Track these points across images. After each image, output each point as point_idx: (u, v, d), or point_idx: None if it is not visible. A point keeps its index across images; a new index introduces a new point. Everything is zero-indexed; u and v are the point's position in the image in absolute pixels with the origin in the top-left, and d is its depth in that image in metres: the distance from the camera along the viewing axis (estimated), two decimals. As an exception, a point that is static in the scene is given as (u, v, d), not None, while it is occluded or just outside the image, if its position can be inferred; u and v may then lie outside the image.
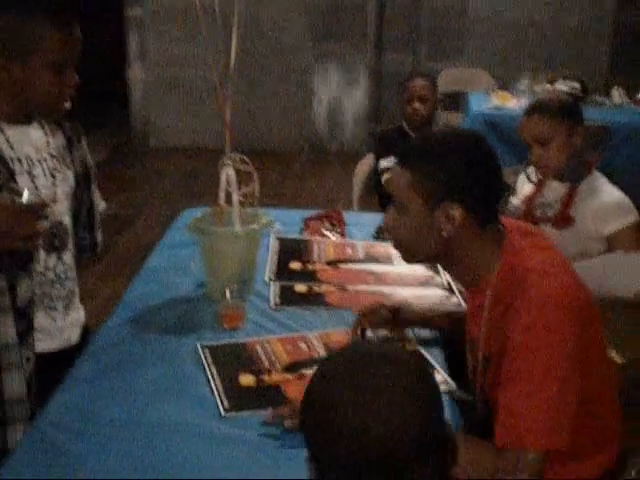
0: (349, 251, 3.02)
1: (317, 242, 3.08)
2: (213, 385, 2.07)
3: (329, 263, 2.90)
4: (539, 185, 3.06)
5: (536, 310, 1.73)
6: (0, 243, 1.92)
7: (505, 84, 6.72)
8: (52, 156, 2.20)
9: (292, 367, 2.18)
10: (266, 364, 2.18)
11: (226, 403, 1.99)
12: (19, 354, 2.07)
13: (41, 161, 2.16)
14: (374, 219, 3.39)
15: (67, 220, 2.26)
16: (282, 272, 2.82)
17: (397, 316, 2.32)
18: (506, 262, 1.84)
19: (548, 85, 6.24)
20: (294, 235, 3.16)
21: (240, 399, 2.02)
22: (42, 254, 2.16)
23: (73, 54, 2.10)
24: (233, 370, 2.14)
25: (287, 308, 2.57)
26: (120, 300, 2.64)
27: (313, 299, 2.65)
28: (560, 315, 1.73)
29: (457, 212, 1.80)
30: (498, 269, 1.84)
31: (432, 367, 2.19)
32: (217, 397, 2.02)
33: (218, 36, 2.55)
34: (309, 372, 2.09)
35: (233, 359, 2.21)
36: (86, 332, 2.43)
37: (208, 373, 2.13)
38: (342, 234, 3.21)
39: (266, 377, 2.12)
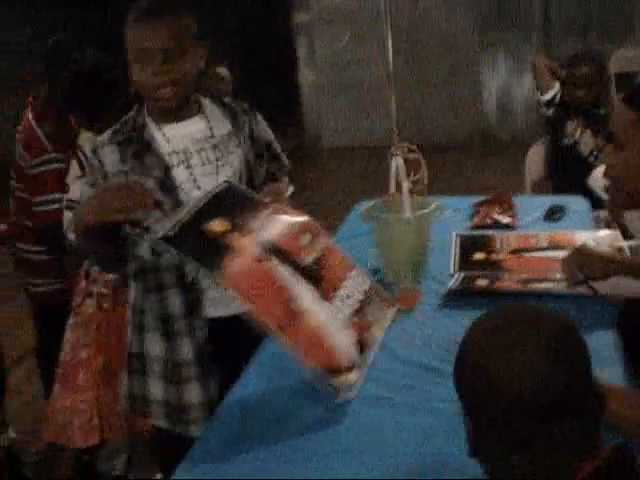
0: (532, 240, 2.97)
1: (499, 234, 3.05)
2: None
3: (513, 252, 2.87)
4: None
5: None
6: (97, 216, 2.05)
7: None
8: (214, 146, 2.30)
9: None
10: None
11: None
12: (188, 323, 2.26)
13: (200, 152, 2.29)
14: (544, 202, 3.40)
15: None
16: (466, 263, 2.81)
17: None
18: None
19: None
20: (474, 232, 3.13)
21: None
22: None
23: (156, 45, 2.12)
24: None
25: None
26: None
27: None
28: None
29: None
30: None
31: None
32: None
33: (383, 35, 2.65)
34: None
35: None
36: None
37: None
38: (512, 217, 3.24)
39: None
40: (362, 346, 2.00)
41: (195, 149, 2.28)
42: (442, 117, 8.45)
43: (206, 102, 2.36)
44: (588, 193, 3.59)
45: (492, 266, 2.78)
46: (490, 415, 1.19)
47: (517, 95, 8.31)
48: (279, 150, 2.52)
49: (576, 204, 3.40)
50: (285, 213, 2.11)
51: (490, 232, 3.09)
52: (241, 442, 1.91)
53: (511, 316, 1.26)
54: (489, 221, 3.22)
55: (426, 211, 2.61)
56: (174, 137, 2.27)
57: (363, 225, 2.86)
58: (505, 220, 3.21)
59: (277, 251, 1.94)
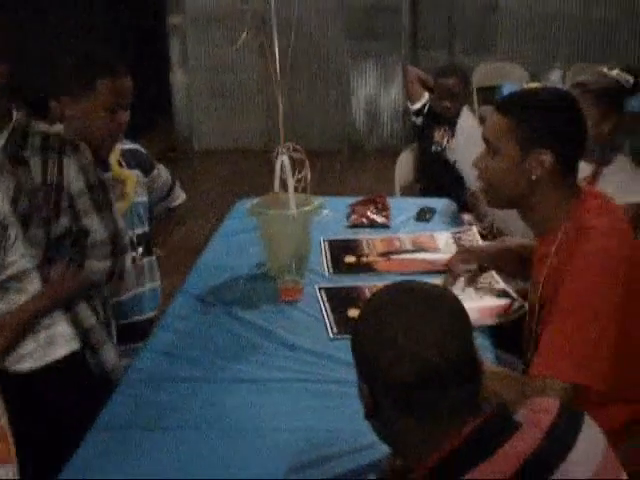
0: (397, 243, 3.15)
1: (365, 238, 3.22)
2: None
3: (380, 255, 3.04)
4: None
5: (590, 261, 1.93)
6: None
7: (538, 77, 6.89)
8: None
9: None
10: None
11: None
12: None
13: None
14: (415, 204, 3.62)
15: None
16: (338, 266, 2.97)
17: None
18: (575, 217, 2.03)
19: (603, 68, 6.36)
20: (341, 236, 3.28)
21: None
22: None
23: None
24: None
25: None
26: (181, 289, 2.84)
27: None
28: (612, 270, 1.92)
29: (548, 157, 2.00)
30: (567, 222, 2.04)
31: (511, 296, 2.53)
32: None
33: (256, 40, 2.77)
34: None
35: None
36: None
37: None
38: (387, 217, 3.42)
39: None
40: None
41: None
42: (312, 123, 8.63)
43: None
44: (454, 196, 3.82)
45: (364, 268, 2.95)
46: (387, 380, 1.33)
47: (384, 104, 8.57)
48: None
49: (444, 206, 3.63)
50: None
51: (357, 236, 3.26)
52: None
53: (406, 291, 1.40)
54: (365, 221, 3.40)
55: (310, 207, 2.75)
56: None
57: (246, 221, 2.98)
58: (380, 219, 3.39)
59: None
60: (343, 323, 2.46)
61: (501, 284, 2.63)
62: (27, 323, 2.18)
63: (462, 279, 2.55)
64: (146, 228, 2.92)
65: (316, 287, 2.72)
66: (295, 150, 2.79)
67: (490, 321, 2.44)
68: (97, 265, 2.32)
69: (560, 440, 1.31)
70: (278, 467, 1.80)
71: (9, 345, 2.15)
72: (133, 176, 2.82)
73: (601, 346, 1.89)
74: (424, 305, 1.35)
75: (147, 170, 2.93)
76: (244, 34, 2.69)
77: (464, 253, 2.62)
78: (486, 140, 2.11)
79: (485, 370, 1.66)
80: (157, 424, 1.98)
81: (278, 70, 2.70)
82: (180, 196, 3.19)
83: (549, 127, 2.02)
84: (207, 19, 8.40)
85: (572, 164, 2.09)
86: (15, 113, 2.21)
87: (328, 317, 2.51)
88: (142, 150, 2.95)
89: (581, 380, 1.87)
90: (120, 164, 2.78)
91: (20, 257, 2.17)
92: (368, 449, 1.79)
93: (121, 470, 1.81)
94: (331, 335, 2.40)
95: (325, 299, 2.64)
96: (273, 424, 1.97)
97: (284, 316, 2.55)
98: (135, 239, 2.80)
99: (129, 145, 2.86)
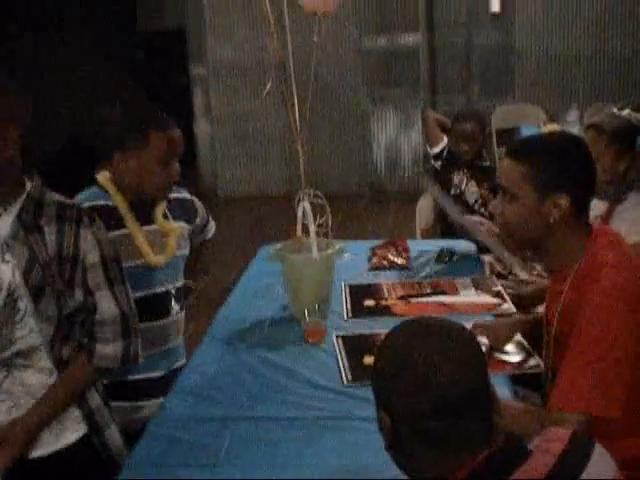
0: (416, 287, 3.23)
1: (385, 282, 3.30)
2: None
3: (400, 298, 3.11)
4: None
5: (605, 297, 2.00)
6: None
7: (556, 117, 6.98)
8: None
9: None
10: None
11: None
12: None
13: None
14: (436, 245, 3.70)
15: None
16: (357, 310, 3.04)
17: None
18: (588, 254, 2.10)
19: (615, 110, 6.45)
20: (362, 279, 3.36)
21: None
22: None
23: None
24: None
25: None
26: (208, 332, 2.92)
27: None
28: (626, 304, 1.99)
29: (564, 201, 2.07)
30: (581, 260, 2.11)
31: (529, 351, 2.55)
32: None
33: (278, 88, 2.87)
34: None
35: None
36: None
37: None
38: (407, 259, 3.50)
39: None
40: None
41: None
42: (334, 168, 8.76)
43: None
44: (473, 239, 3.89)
45: (382, 311, 3.02)
46: (405, 410, 1.41)
47: (404, 148, 8.69)
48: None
49: (463, 247, 3.70)
50: None
51: (378, 280, 3.34)
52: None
53: (423, 325, 1.49)
54: (386, 263, 3.48)
55: (332, 251, 2.84)
56: None
57: (270, 266, 3.07)
58: (400, 261, 3.47)
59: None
60: (359, 371, 2.49)
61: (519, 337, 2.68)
62: (40, 427, 2.09)
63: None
64: (182, 282, 2.90)
65: (333, 335, 2.77)
66: (316, 196, 2.89)
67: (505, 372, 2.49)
68: (107, 350, 2.16)
69: (570, 466, 1.37)
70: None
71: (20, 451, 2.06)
72: (177, 229, 2.79)
73: (616, 378, 1.95)
74: (440, 338, 1.43)
75: (192, 219, 2.94)
76: (268, 85, 2.80)
77: (477, 328, 2.64)
78: (502, 186, 2.18)
79: (504, 405, 1.73)
80: (186, 462, 2.06)
81: (298, 118, 2.81)
82: (213, 227, 3.22)
83: (564, 171, 2.09)
84: (229, 69, 8.59)
85: (585, 205, 2.17)
86: (28, 183, 2.09)
87: (344, 365, 2.55)
88: (188, 197, 2.96)
89: (596, 411, 1.93)
90: (166, 216, 2.77)
91: (29, 332, 2.05)
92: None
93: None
94: (345, 382, 2.44)
95: (341, 346, 2.68)
96: (295, 461, 2.04)
97: (308, 356, 2.63)
98: (174, 292, 2.79)
99: (176, 194, 2.86)
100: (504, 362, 2.52)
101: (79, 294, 2.10)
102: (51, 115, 9.81)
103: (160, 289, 2.72)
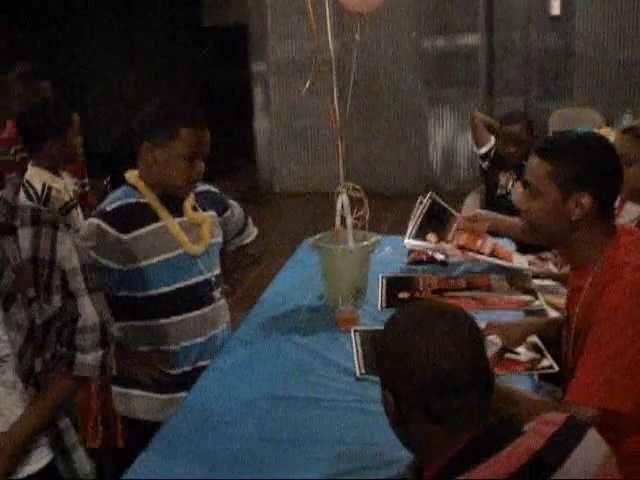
0: (452, 281, 3.31)
1: (422, 276, 3.37)
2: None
3: (434, 292, 3.19)
4: (617, 207, 3.30)
5: (624, 296, 2.05)
6: None
7: (612, 122, 6.95)
8: None
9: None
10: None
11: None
12: None
13: None
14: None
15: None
16: (392, 301, 3.11)
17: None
18: (610, 253, 2.15)
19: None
20: (399, 273, 3.44)
21: None
22: None
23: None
24: None
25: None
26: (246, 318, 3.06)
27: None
28: None
29: (587, 199, 2.13)
30: (602, 258, 2.15)
31: (542, 352, 2.60)
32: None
33: (335, 86, 2.97)
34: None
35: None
36: None
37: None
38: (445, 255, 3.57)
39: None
40: None
41: None
42: (389, 167, 8.83)
43: None
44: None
45: None
46: (408, 387, 1.49)
47: (460, 148, 8.72)
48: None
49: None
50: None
51: (414, 274, 3.42)
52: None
53: (426, 308, 1.58)
54: (425, 257, 3.56)
55: (366, 243, 2.95)
56: None
57: (311, 256, 3.18)
58: (439, 257, 3.55)
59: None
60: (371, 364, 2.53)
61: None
62: (27, 442, 2.02)
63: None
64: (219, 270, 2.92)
65: (352, 331, 2.80)
66: (354, 189, 2.99)
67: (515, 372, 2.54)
68: (88, 359, 2.08)
69: (558, 448, 1.45)
70: (312, 475, 1.99)
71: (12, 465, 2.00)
72: (208, 217, 2.82)
73: (631, 375, 2.00)
74: (443, 321, 1.52)
75: (221, 210, 2.97)
76: (308, 81, 2.90)
77: (491, 328, 2.67)
78: (528, 183, 2.24)
79: (520, 397, 1.80)
80: (217, 434, 2.20)
81: (338, 113, 2.91)
82: (253, 232, 3.25)
83: (588, 170, 2.14)
84: (288, 66, 8.72)
85: (609, 204, 2.22)
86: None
87: (358, 358, 2.60)
88: (214, 190, 3.00)
89: (612, 405, 1.98)
90: (195, 208, 2.80)
91: None
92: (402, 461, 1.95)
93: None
94: (358, 374, 2.50)
95: (358, 342, 2.71)
96: (317, 436, 2.17)
97: (339, 343, 2.73)
98: (214, 279, 2.81)
99: (201, 187, 2.87)
100: (515, 362, 2.57)
101: (57, 300, 2.00)
102: (117, 106, 10.06)
103: (201, 278, 2.76)
